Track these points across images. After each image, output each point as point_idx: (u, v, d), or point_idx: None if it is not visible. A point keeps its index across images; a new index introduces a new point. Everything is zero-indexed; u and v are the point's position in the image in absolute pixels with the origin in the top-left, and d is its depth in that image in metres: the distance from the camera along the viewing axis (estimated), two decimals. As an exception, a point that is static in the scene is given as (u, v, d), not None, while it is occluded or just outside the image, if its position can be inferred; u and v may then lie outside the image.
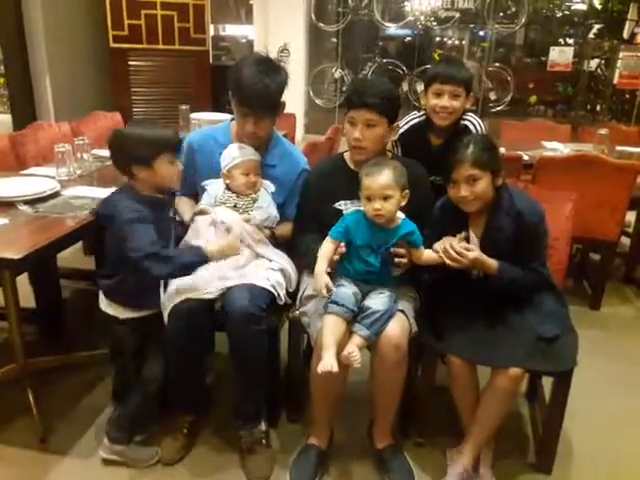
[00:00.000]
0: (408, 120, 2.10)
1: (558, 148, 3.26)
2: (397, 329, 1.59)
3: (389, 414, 1.73)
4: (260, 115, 1.77)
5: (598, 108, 6.92)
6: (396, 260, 1.63)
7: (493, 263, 1.63)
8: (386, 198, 1.56)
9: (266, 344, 1.69)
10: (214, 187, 1.86)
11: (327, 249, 1.66)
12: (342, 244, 1.63)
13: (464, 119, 2.02)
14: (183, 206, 1.93)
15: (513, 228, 1.64)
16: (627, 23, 6.75)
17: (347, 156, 1.86)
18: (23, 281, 2.29)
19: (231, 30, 7.16)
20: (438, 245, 1.63)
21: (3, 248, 1.59)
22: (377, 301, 1.59)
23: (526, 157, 2.84)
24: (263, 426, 1.77)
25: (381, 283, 1.65)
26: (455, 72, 1.94)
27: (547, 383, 1.84)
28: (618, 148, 3.28)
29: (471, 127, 2.01)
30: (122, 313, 1.72)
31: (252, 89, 1.72)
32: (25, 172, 2.34)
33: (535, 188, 2.11)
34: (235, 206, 1.81)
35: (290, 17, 5.13)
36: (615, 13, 6.83)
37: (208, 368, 2.11)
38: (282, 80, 1.79)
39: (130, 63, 4.50)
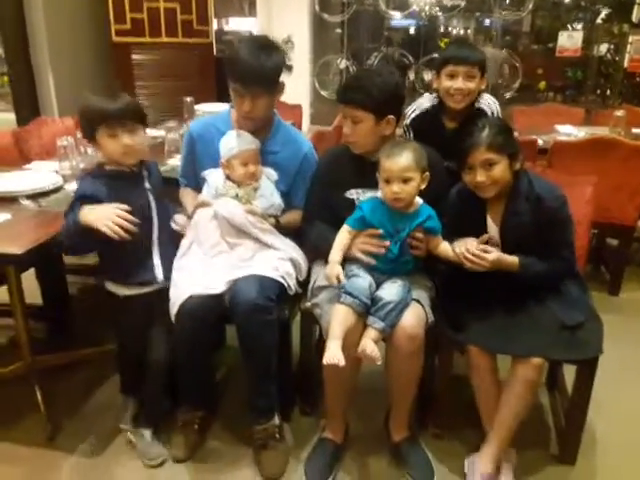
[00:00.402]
0: (420, 104, 2.04)
1: (572, 132, 3.18)
2: (412, 319, 1.54)
3: (406, 406, 1.68)
4: (255, 92, 1.70)
5: (608, 92, 6.80)
6: (414, 244, 1.58)
7: (514, 260, 1.57)
8: (406, 181, 1.52)
9: (276, 335, 1.64)
10: (214, 178, 1.80)
11: (343, 238, 1.62)
12: (380, 231, 1.58)
13: (479, 101, 1.95)
14: (186, 197, 1.89)
15: (533, 214, 1.57)
16: (636, 7, 6.64)
17: None
18: (29, 277, 2.26)
19: (234, 23, 7.08)
20: (456, 247, 1.58)
21: (6, 243, 1.56)
22: (391, 291, 1.54)
23: (540, 142, 2.76)
24: (277, 420, 1.72)
25: (396, 272, 1.60)
26: (469, 53, 1.88)
27: (568, 371, 1.78)
28: (634, 130, 3.20)
29: (487, 109, 1.94)
30: (118, 289, 1.71)
31: (246, 65, 1.66)
32: (28, 167, 2.31)
33: (553, 173, 2.04)
34: (237, 196, 1.75)
35: (294, 8, 5.06)
36: (624, -2, 6.73)
37: (218, 362, 2.09)
38: (279, 59, 1.73)
39: (133, 57, 4.44)
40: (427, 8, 6.44)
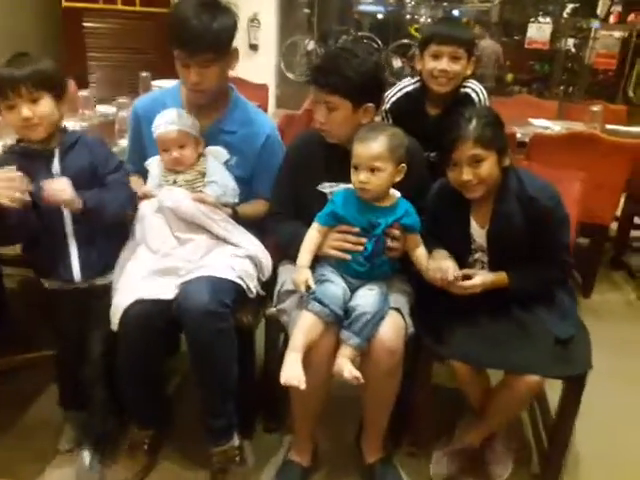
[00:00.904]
0: (401, 87, 1.86)
1: (548, 126, 3.08)
2: (391, 331, 1.38)
3: (381, 425, 1.53)
4: (199, 58, 1.47)
5: (571, 88, 6.85)
6: (389, 244, 1.42)
7: (502, 278, 1.45)
8: (374, 170, 1.35)
9: (234, 347, 1.45)
10: (154, 165, 1.60)
11: (312, 238, 1.45)
12: (357, 229, 1.41)
13: (465, 86, 1.79)
14: (133, 187, 1.67)
15: (525, 215, 1.43)
16: (600, 2, 6.70)
17: None
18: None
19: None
20: (431, 269, 1.42)
21: None
22: (366, 300, 1.38)
23: (519, 134, 2.64)
24: (236, 441, 1.53)
25: (372, 277, 1.44)
26: (456, 31, 1.72)
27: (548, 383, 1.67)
28: (608, 127, 3.12)
29: (473, 95, 1.78)
30: (44, 281, 1.57)
31: (188, 27, 1.44)
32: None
33: (538, 167, 1.90)
34: (175, 182, 1.55)
35: (261, -15, 4.85)
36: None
37: (171, 370, 1.89)
38: (228, 21, 1.50)
39: (85, 25, 4.12)
40: (396, -7, 6.31)
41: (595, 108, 3.01)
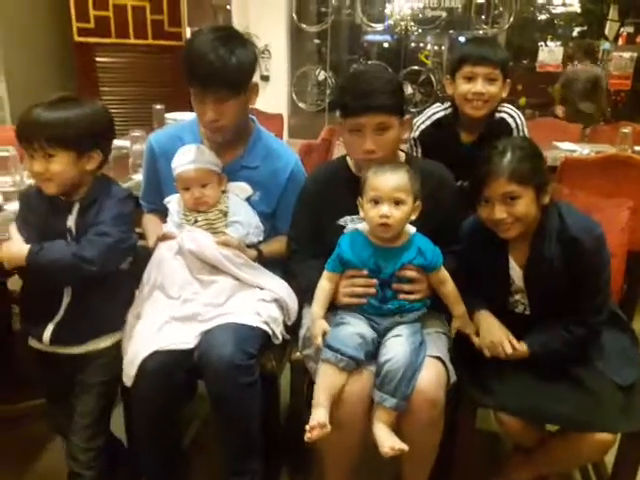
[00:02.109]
0: (430, 114, 1.76)
1: (576, 149, 2.97)
2: (432, 380, 1.25)
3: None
4: (217, 96, 1.38)
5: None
6: (405, 288, 1.29)
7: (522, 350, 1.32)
8: (398, 203, 1.24)
9: (259, 399, 1.34)
10: (174, 203, 1.51)
11: (323, 287, 1.35)
12: (365, 272, 1.30)
13: (500, 111, 1.69)
14: (148, 225, 1.59)
15: (565, 258, 1.29)
16: (608, 24, 6.69)
17: (351, 160, 1.52)
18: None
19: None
20: (485, 345, 1.32)
21: None
22: (394, 351, 1.24)
23: (548, 159, 2.53)
24: (260, 499, 1.40)
25: (398, 312, 1.31)
26: (489, 51, 1.62)
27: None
28: (638, 148, 3.01)
29: (509, 120, 1.68)
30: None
31: (203, 61, 1.35)
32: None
33: (583, 195, 1.78)
34: (196, 222, 1.45)
35: (271, 17, 4.88)
36: (596, 15, 6.78)
37: (189, 416, 1.78)
38: (246, 54, 1.41)
39: (97, 59, 4.12)
40: (402, 23, 6.33)
41: (625, 130, 2.90)
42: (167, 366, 1.27)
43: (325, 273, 1.35)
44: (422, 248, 1.30)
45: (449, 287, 1.33)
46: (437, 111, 1.77)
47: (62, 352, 1.34)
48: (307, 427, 1.18)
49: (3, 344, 2.10)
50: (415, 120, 1.76)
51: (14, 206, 1.66)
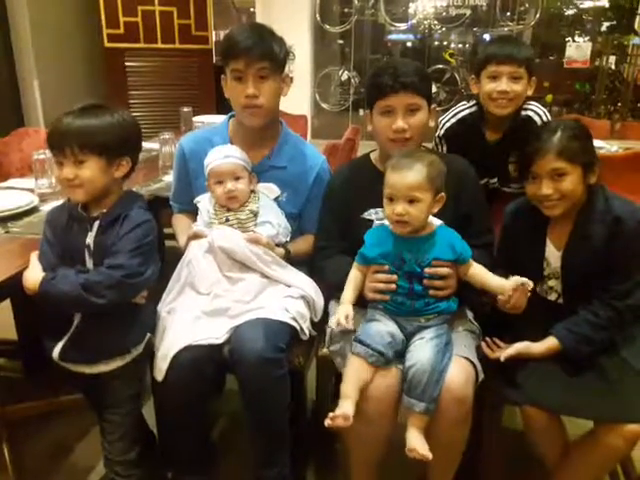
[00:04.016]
0: (456, 112, 1.77)
1: (603, 146, 2.92)
2: (460, 378, 1.25)
3: (447, 477, 1.39)
4: (256, 67, 1.45)
5: (613, 107, 6.64)
6: (436, 284, 1.29)
7: (552, 344, 1.32)
8: (412, 201, 1.24)
9: (288, 392, 1.37)
10: (205, 203, 1.55)
11: (354, 275, 1.37)
12: (386, 267, 1.31)
13: (526, 109, 1.69)
14: (179, 226, 1.63)
15: (606, 239, 1.29)
16: (638, 18, 6.53)
17: (374, 157, 1.56)
18: (5, 308, 1.96)
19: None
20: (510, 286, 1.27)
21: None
22: (421, 355, 1.24)
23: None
24: (289, 492, 1.43)
25: (423, 314, 1.31)
26: (514, 50, 1.62)
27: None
28: (668, 144, 2.95)
29: (536, 118, 1.67)
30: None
31: (242, 38, 1.46)
32: (1, 185, 2.03)
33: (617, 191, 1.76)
34: (227, 221, 1.48)
35: (294, 18, 4.90)
36: (625, 9, 6.62)
37: (217, 412, 1.83)
38: (282, 42, 1.53)
39: (127, 64, 4.20)
40: (426, 22, 6.30)
41: (654, 126, 2.85)
42: (198, 360, 1.30)
43: (355, 264, 1.38)
44: (450, 241, 1.30)
45: (477, 269, 1.32)
46: (462, 109, 1.78)
47: (74, 370, 1.34)
48: (330, 414, 1.20)
49: (37, 342, 2.18)
50: (440, 119, 1.77)
51: (49, 207, 1.73)
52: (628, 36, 6.41)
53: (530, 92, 1.64)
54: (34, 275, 1.24)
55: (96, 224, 1.30)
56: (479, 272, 1.32)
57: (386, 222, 1.35)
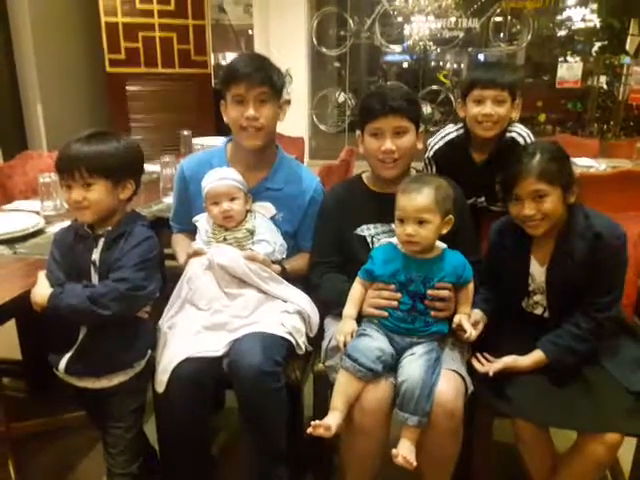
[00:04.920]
0: (443, 135, 1.85)
1: (593, 165, 3.01)
2: (450, 391, 1.30)
3: (440, 489, 1.43)
4: (257, 91, 1.54)
5: (606, 126, 6.75)
6: (437, 305, 1.36)
7: (539, 357, 1.37)
8: (422, 223, 1.31)
9: (286, 406, 1.41)
10: (203, 222, 1.61)
11: (355, 291, 1.43)
12: (392, 287, 1.37)
13: (510, 131, 1.76)
14: (178, 244, 1.69)
15: (588, 254, 1.35)
16: (629, 38, 6.66)
17: (366, 177, 1.64)
18: (10, 329, 2.01)
19: (231, 59, 7.04)
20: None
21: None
22: (411, 371, 1.30)
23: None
24: (287, 506, 1.46)
25: (418, 333, 1.37)
26: (497, 75, 1.70)
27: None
28: (655, 163, 3.03)
29: (519, 140, 1.74)
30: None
31: (243, 65, 1.56)
32: (7, 207, 2.09)
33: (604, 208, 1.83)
34: (224, 240, 1.54)
35: (291, 42, 5.02)
36: (617, 30, 6.76)
37: (217, 428, 1.86)
38: (279, 72, 1.62)
39: (128, 88, 4.31)
40: (421, 43, 6.42)
41: (640, 145, 2.94)
42: (197, 372, 1.35)
43: (358, 279, 1.43)
44: (454, 264, 1.37)
45: (469, 289, 1.40)
46: (450, 132, 1.85)
47: (78, 384, 1.39)
48: (312, 423, 1.26)
49: (41, 361, 2.22)
50: (429, 141, 1.84)
51: (55, 229, 1.79)
52: (619, 56, 6.56)
53: (514, 114, 1.72)
54: (42, 291, 1.30)
55: (101, 241, 1.36)
56: (465, 296, 1.40)
57: (393, 240, 1.42)
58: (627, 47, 6.55)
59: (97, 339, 1.35)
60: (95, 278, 1.36)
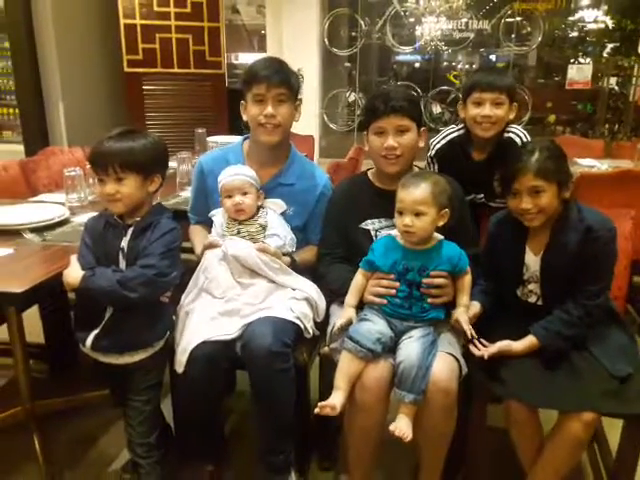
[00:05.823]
0: (445, 135, 1.95)
1: (595, 165, 3.08)
2: (445, 371, 1.40)
3: (437, 465, 1.53)
4: (276, 91, 1.65)
5: (617, 126, 6.74)
6: (433, 292, 1.46)
7: (531, 342, 1.46)
8: (418, 214, 1.41)
9: (294, 384, 1.52)
10: (219, 217, 1.72)
11: (358, 281, 1.53)
12: (392, 276, 1.47)
13: (508, 131, 1.86)
14: (196, 237, 1.80)
15: (579, 245, 1.45)
16: (640, 40, 6.64)
17: (371, 174, 1.74)
18: (33, 313, 2.13)
19: (244, 59, 7.13)
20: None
21: (6, 281, 1.44)
22: (409, 351, 1.40)
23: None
24: (293, 477, 1.57)
25: (417, 318, 1.47)
26: (496, 79, 1.79)
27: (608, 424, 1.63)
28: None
29: (517, 140, 1.84)
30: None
31: (263, 67, 1.67)
32: (34, 199, 2.22)
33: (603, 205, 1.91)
34: (237, 234, 1.65)
35: (303, 42, 5.08)
36: (629, 31, 6.75)
37: (228, 409, 1.96)
38: (296, 75, 1.73)
39: (145, 87, 4.43)
40: (432, 44, 6.47)
41: (641, 146, 3.00)
42: (213, 354, 1.46)
43: (360, 270, 1.53)
44: (449, 254, 1.47)
45: (466, 280, 1.50)
46: (451, 132, 1.95)
47: (103, 360, 1.50)
48: (319, 404, 1.36)
49: (63, 344, 2.34)
50: (431, 140, 1.94)
51: (79, 219, 1.91)
52: (630, 57, 6.56)
53: (512, 116, 1.82)
54: (74, 273, 1.42)
55: (130, 230, 1.47)
56: (462, 285, 1.49)
57: (392, 232, 1.52)
58: (639, 49, 6.53)
59: (122, 319, 1.46)
60: (123, 264, 1.47)
